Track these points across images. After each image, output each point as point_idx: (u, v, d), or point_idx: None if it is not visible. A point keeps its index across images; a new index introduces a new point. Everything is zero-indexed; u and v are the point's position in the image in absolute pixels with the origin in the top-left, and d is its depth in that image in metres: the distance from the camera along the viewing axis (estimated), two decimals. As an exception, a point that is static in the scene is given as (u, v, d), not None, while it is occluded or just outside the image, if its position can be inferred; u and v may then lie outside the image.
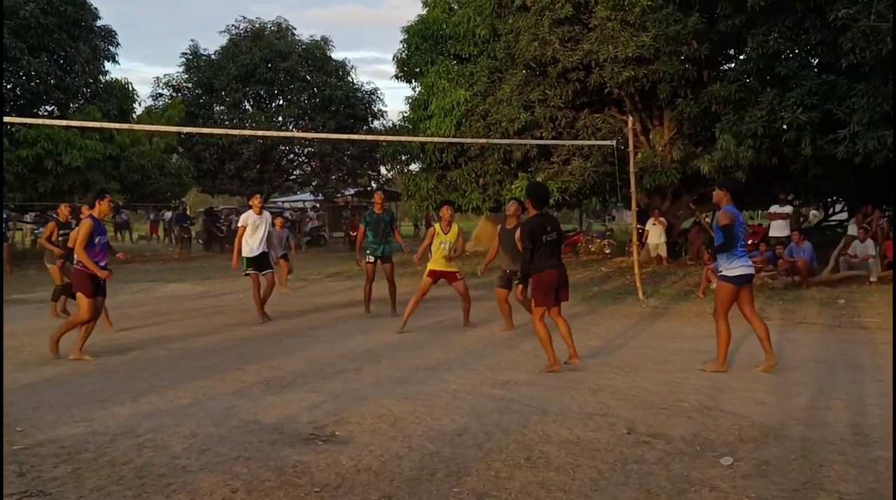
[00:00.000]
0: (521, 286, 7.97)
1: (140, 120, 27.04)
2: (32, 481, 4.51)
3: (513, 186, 17.89)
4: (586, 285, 15.16)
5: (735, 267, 7.12)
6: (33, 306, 13.64)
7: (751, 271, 7.26)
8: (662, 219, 18.17)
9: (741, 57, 16.59)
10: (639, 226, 16.88)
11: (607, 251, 21.34)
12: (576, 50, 16.09)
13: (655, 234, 18.19)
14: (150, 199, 26.67)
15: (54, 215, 12.53)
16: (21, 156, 20.89)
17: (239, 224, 11.51)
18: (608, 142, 14.95)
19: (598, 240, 22.68)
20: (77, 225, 9.95)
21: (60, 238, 11.93)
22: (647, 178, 16.36)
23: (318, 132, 29.58)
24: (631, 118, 14.34)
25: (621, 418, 5.62)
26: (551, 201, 17.58)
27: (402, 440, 5.19)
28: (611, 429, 5.34)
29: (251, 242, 11.21)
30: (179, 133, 26.56)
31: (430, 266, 10.30)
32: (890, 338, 8.81)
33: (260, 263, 11.34)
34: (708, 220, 21.07)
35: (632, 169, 13.42)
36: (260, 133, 27.47)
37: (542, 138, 17.10)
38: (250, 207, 11.43)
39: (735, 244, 7.10)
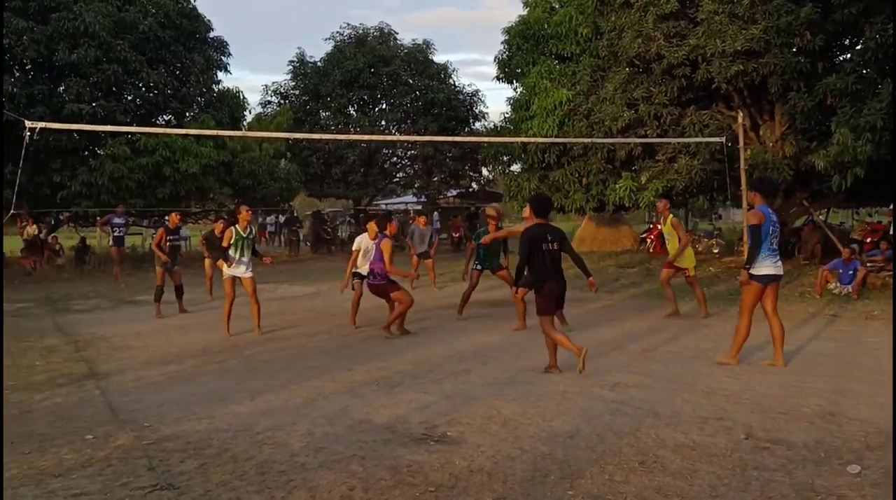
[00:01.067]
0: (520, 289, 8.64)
1: (250, 127, 28.01)
2: (162, 474, 4.74)
3: (616, 186, 17.63)
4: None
5: (762, 266, 7.29)
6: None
7: (778, 271, 7.40)
8: (774, 217, 17.52)
9: (858, 47, 15.82)
10: (749, 224, 16.36)
11: (715, 251, 20.77)
12: (681, 45, 15.72)
13: (767, 232, 17.56)
14: (260, 203, 27.53)
15: (165, 222, 13.45)
16: (142, 163, 21.95)
17: (353, 248, 11.13)
18: (716, 139, 14.57)
19: (706, 239, 22.09)
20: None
21: (168, 244, 12.89)
22: (757, 174, 15.80)
23: (421, 135, 29.87)
24: (740, 114, 13.92)
25: (738, 422, 5.47)
26: (656, 200, 17.26)
27: (513, 441, 5.20)
28: (728, 434, 5.21)
29: (361, 264, 10.93)
30: (287, 139, 27.34)
31: None
32: None
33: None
34: (822, 217, 20.24)
35: (742, 166, 13.03)
36: (364, 137, 27.96)
37: (646, 136, 16.79)
38: (366, 231, 11.11)
39: (763, 244, 7.26)
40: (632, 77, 17.52)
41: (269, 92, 33.73)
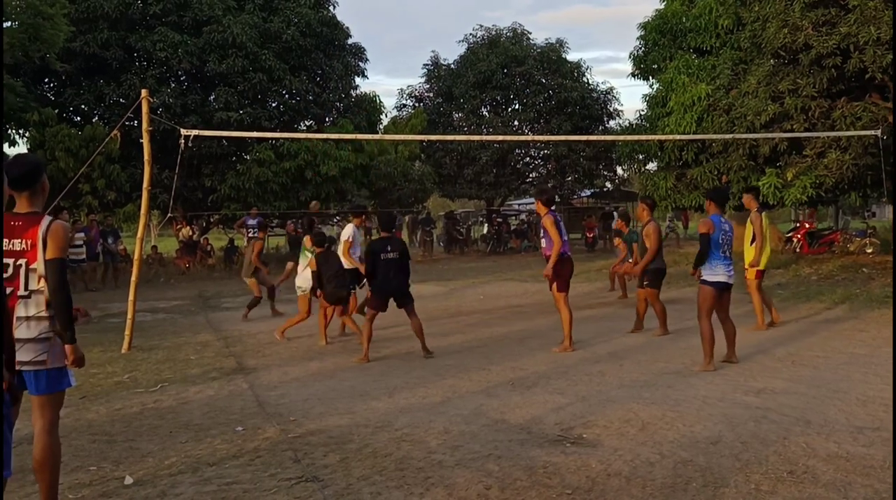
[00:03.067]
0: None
1: (386, 130, 28.68)
2: (307, 467, 4.92)
3: (760, 183, 16.89)
4: (846, 288, 13.97)
5: (714, 273, 7.73)
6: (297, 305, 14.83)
7: (726, 280, 7.77)
8: (936, 214, 16.36)
9: None
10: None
11: (869, 250, 19.53)
12: (831, 34, 14.90)
13: (927, 231, 16.43)
14: (395, 204, 28.11)
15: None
16: (285, 167, 22.90)
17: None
18: (870, 132, 13.71)
19: (858, 239, 20.81)
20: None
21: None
22: (920, 169, 14.82)
23: (554, 135, 29.65)
24: (898, 105, 13.05)
25: (897, 433, 5.13)
26: (804, 198, 16.42)
27: (652, 446, 5.08)
28: (886, 445, 4.89)
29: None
30: (422, 141, 27.78)
31: None
32: None
33: None
34: None
35: (899, 160, 12.21)
36: (497, 138, 28.04)
37: (792, 131, 16.00)
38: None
39: (713, 252, 7.68)
40: (777, 69, 16.75)
41: (405, 95, 34.41)
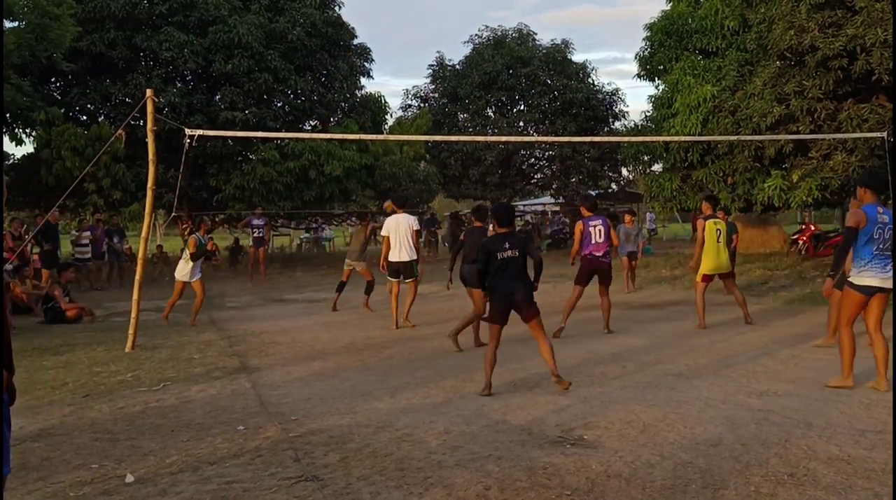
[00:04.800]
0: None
1: (391, 130, 28.69)
2: (307, 466, 4.92)
3: (765, 185, 16.86)
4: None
5: (862, 274, 6.48)
6: (301, 305, 14.88)
7: (879, 283, 6.43)
8: (943, 217, 16.29)
9: None
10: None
11: (875, 253, 19.45)
12: (838, 36, 14.86)
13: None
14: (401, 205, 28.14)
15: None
16: (289, 167, 22.93)
17: (417, 226, 11.63)
18: (877, 134, 13.66)
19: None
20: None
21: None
22: (925, 172, 14.76)
23: (559, 135, 29.66)
24: (904, 107, 13.00)
25: (900, 437, 5.11)
26: (809, 200, 16.37)
27: (652, 448, 5.07)
28: (888, 448, 4.87)
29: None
30: (427, 141, 27.80)
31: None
32: None
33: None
34: None
35: (905, 162, 12.16)
36: (502, 139, 28.02)
37: (798, 132, 15.96)
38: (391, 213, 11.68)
39: (862, 249, 6.44)
40: (783, 71, 16.70)
41: (410, 96, 34.51)
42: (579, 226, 10.31)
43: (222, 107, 22.83)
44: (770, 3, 16.90)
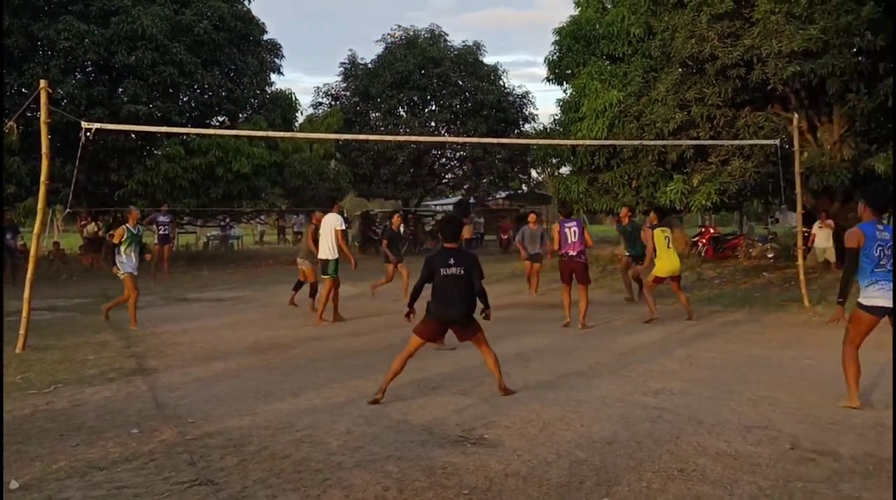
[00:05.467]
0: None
1: (302, 128, 28.31)
2: (202, 470, 4.79)
3: (667, 189, 17.37)
4: (746, 292, 14.50)
5: (868, 295, 6.01)
6: (206, 304, 14.53)
7: (885, 303, 5.94)
8: (830, 222, 17.12)
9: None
10: (805, 229, 15.98)
11: (770, 256, 20.31)
12: (736, 46, 15.43)
13: (822, 237, 17.18)
14: (310, 203, 27.76)
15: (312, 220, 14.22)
16: (195, 164, 22.35)
17: (342, 226, 11.98)
18: (771, 141, 14.26)
19: (760, 244, 21.62)
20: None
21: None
22: (813, 178, 15.46)
23: (470, 136, 29.87)
24: (796, 115, 13.59)
25: (784, 432, 5.33)
26: (708, 203, 16.94)
27: (550, 446, 5.14)
28: (772, 443, 5.07)
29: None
30: (337, 140, 27.56)
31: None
32: None
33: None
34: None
35: (797, 169, 12.72)
36: (413, 139, 28.05)
37: (698, 138, 16.52)
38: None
39: (864, 269, 5.99)
40: (684, 78, 17.26)
41: (321, 93, 34.12)
42: (556, 227, 11.34)
43: (125, 100, 22.05)
44: (673, 13, 17.43)
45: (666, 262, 11.25)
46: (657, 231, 11.35)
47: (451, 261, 6.46)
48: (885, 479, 4.37)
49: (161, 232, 19.63)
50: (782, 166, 13.59)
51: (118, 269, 11.48)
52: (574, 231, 11.01)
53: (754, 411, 5.92)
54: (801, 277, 12.64)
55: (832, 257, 17.07)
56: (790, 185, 13.11)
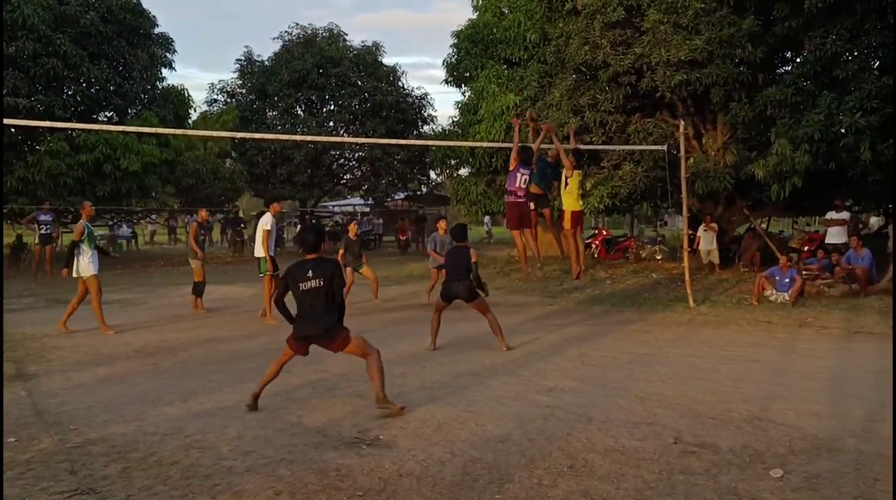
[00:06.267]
0: None
1: (195, 125, 27.55)
2: (83, 479, 4.61)
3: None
4: (636, 292, 14.97)
5: None
6: (88, 307, 13.94)
7: None
8: (714, 225, 17.87)
9: (798, 60, 16.22)
10: (690, 232, 16.63)
11: (658, 257, 21.05)
12: (627, 54, 15.90)
13: (707, 240, 17.90)
14: (204, 203, 27.07)
15: (194, 217, 13.83)
16: (81, 160, 21.40)
17: (266, 227, 11.97)
18: (659, 146, 14.75)
19: (649, 246, 22.38)
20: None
21: (200, 237, 13.43)
22: (699, 183, 16.10)
23: (369, 137, 29.78)
24: (683, 122, 14.12)
25: (668, 427, 5.53)
26: (601, 206, 17.42)
27: (445, 446, 5.18)
28: (657, 438, 5.25)
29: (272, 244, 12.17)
30: (233, 138, 26.98)
31: None
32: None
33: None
34: (763, 226, 20.67)
35: (683, 174, 13.21)
36: (311, 138, 27.75)
37: (592, 143, 16.94)
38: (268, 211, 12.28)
39: None
40: (578, 84, 17.67)
41: (216, 90, 33.34)
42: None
43: (4, 92, 20.95)
44: (567, 20, 17.82)
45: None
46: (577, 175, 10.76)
47: (310, 274, 6.03)
48: (760, 470, 4.60)
49: (43, 232, 18.72)
50: (670, 171, 14.09)
51: (68, 271, 10.92)
52: (525, 179, 10.09)
53: (641, 408, 6.12)
54: (687, 277, 13.14)
55: (716, 259, 17.82)
56: (677, 189, 13.60)
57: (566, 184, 10.46)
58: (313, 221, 32.34)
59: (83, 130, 21.05)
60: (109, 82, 23.62)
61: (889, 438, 5.20)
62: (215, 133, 22.69)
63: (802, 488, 4.30)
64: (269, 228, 11.91)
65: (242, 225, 30.60)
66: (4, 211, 23.56)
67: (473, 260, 9.11)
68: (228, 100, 32.89)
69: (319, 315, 6.06)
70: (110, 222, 32.02)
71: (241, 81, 33.25)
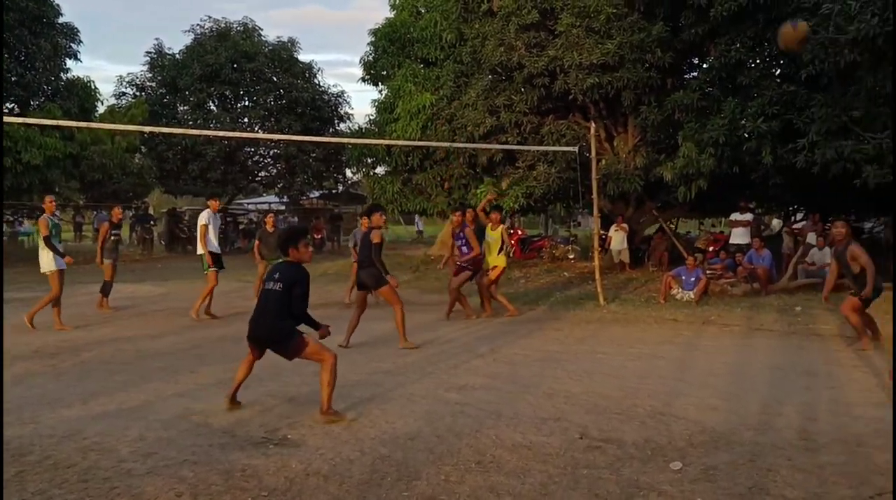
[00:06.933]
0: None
1: (102, 119, 26.56)
2: (-27, 484, 4.41)
3: (478, 191, 17.89)
4: (549, 291, 15.21)
5: None
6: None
7: None
8: (625, 225, 18.29)
9: (704, 66, 16.75)
10: (602, 232, 16.98)
11: (571, 257, 21.41)
12: (541, 56, 16.12)
13: (618, 240, 18.31)
14: (111, 199, 26.21)
15: (108, 215, 13.33)
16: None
17: (203, 222, 11.87)
18: (572, 148, 15.00)
19: (562, 246, 22.76)
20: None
21: (112, 237, 12.89)
22: (610, 184, 16.45)
23: (284, 134, 29.38)
24: (594, 125, 14.42)
25: (574, 423, 5.63)
26: (516, 206, 17.62)
27: (354, 444, 5.16)
28: (563, 434, 5.35)
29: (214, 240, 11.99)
30: (142, 132, 26.17)
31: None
32: (842, 346, 8.96)
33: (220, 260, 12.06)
34: (672, 226, 21.28)
35: (594, 175, 13.49)
36: (224, 134, 27.24)
37: (507, 143, 17.12)
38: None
39: None
40: (494, 84, 17.82)
41: (124, 83, 32.30)
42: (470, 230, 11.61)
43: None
44: (483, 21, 17.98)
45: (501, 258, 11.96)
46: (501, 229, 12.19)
47: (277, 275, 5.95)
48: (661, 463, 4.73)
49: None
50: (582, 172, 14.36)
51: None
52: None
53: (549, 404, 6.22)
54: (598, 276, 13.42)
55: (626, 259, 18.25)
56: (589, 190, 13.87)
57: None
58: (228, 219, 31.70)
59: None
60: (10, 73, 22.62)
61: (783, 430, 5.43)
62: (124, 127, 21.87)
63: (700, 479, 4.44)
64: (205, 222, 11.78)
65: (152, 222, 29.77)
66: None
67: (375, 242, 9.03)
68: (138, 93, 31.92)
69: (269, 319, 5.88)
70: (10, 218, 30.72)
71: (150, 75, 32.32)
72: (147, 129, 21.43)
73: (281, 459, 4.84)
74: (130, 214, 31.37)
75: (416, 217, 34.90)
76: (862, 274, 8.57)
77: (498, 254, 11.99)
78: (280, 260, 6.15)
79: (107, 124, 21.95)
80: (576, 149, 14.44)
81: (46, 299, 10.89)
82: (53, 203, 11.24)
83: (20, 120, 13.77)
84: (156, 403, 6.36)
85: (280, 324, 5.86)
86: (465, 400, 6.33)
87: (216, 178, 31.15)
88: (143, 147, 29.14)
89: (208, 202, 12.49)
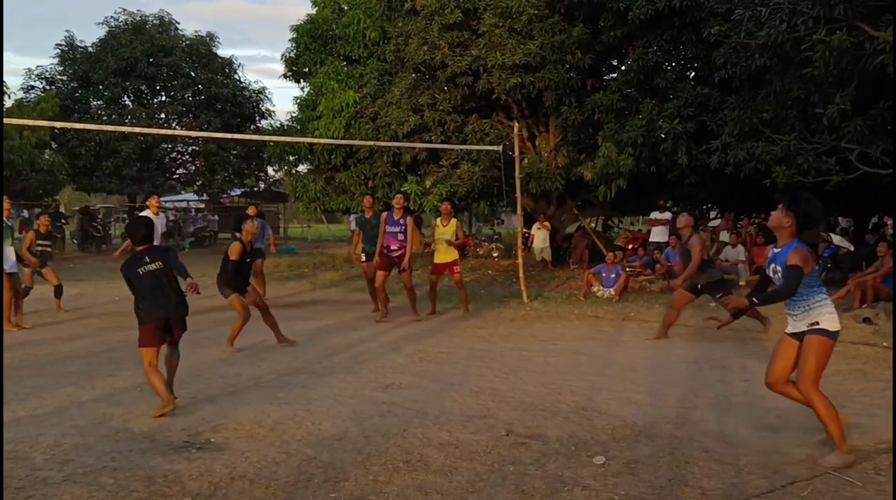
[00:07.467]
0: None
1: (9, 113, 25.56)
2: None
3: (402, 189, 17.87)
4: (473, 288, 15.30)
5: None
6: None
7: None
8: (547, 223, 18.54)
9: (623, 68, 17.14)
10: (525, 230, 17.18)
11: (495, 255, 21.63)
12: (464, 55, 16.22)
13: (540, 238, 18.55)
14: (20, 196, 25.25)
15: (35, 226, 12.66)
16: None
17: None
18: (495, 147, 15.14)
19: (487, 244, 22.95)
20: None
21: (38, 249, 12.19)
22: (532, 183, 16.65)
23: (203, 131, 28.78)
24: (517, 124, 14.58)
25: (501, 420, 5.68)
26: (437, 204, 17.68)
27: (280, 446, 5.09)
28: (490, 431, 5.39)
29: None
30: (52, 128, 25.27)
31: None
32: (753, 339, 9.28)
33: None
34: (592, 225, 21.69)
35: (517, 174, 13.64)
36: (141, 130, 26.42)
37: (430, 142, 17.16)
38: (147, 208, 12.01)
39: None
40: (417, 83, 17.84)
41: (33, 76, 31.11)
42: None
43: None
44: (407, 19, 17.96)
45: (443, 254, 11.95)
46: (454, 223, 12.11)
47: (147, 259, 6.09)
48: (584, 458, 4.81)
49: None
50: (505, 171, 14.50)
51: None
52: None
53: (475, 402, 6.26)
54: (521, 274, 13.58)
55: (549, 257, 18.50)
56: (512, 188, 14.03)
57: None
58: (137, 214, 30.85)
59: None
60: None
61: (700, 422, 5.60)
62: (32, 122, 21.10)
63: (623, 472, 4.54)
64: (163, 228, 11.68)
65: (63, 220, 28.76)
66: None
67: (232, 258, 9.17)
68: (47, 87, 30.80)
69: (168, 293, 6.10)
70: None
71: (61, 68, 31.23)
72: (57, 124, 20.72)
73: (204, 463, 4.74)
74: (38, 211, 30.27)
75: (352, 216, 34.60)
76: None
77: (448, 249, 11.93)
78: (141, 249, 6.25)
79: (15, 119, 21.11)
80: (499, 148, 14.57)
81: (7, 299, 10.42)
82: (9, 205, 10.98)
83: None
84: (71, 408, 6.16)
85: (179, 294, 6.21)
86: (391, 399, 6.32)
87: (132, 175, 30.32)
88: (53, 143, 28.18)
89: (148, 202, 12.17)
